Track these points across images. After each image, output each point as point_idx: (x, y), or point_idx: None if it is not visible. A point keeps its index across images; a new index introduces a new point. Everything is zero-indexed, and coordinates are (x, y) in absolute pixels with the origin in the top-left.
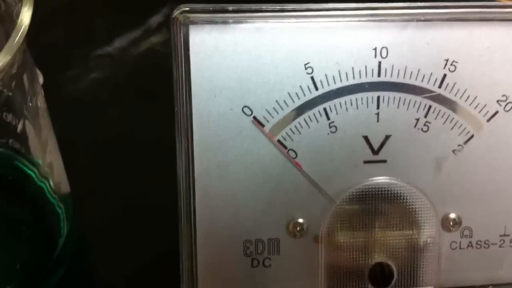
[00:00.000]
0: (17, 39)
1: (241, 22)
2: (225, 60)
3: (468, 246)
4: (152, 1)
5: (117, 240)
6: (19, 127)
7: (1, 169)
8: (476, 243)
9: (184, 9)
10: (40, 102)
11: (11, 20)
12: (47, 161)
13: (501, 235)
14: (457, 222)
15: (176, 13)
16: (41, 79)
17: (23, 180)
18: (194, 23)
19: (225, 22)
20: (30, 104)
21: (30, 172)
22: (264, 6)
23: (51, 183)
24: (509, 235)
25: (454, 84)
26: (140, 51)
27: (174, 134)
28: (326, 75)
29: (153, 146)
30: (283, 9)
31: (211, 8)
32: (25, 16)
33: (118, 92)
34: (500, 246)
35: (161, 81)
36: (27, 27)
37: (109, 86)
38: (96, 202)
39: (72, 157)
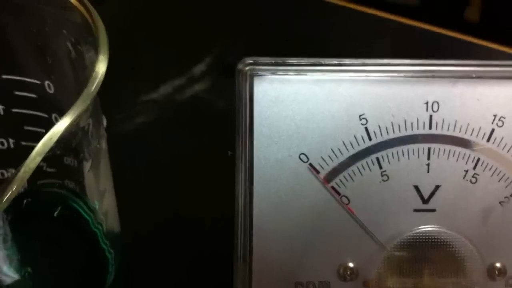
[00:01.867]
0: (93, 88)
1: (301, 74)
2: (285, 109)
3: None
4: (197, 51)
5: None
6: (85, 169)
7: (65, 210)
8: None
9: (248, 61)
10: (104, 144)
11: (83, 66)
12: (104, 206)
13: None
14: (503, 271)
15: (241, 65)
16: (105, 123)
17: (79, 222)
18: (258, 75)
19: (286, 74)
20: (98, 146)
21: (87, 216)
22: (322, 61)
23: (105, 228)
24: None
25: (502, 138)
26: (184, 98)
27: (229, 176)
28: (379, 126)
29: (191, 182)
30: (341, 63)
31: (273, 61)
32: (101, 65)
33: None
34: None
35: (205, 124)
36: (103, 76)
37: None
38: (151, 250)
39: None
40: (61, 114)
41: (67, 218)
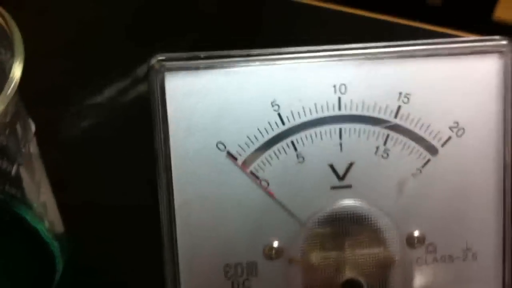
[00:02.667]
0: (9, 91)
1: (212, 68)
2: (199, 101)
3: (433, 261)
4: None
5: (106, 268)
6: (13, 171)
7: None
8: (441, 258)
9: (160, 58)
10: (33, 148)
11: (4, 74)
12: (41, 202)
13: (463, 250)
14: (421, 239)
15: (153, 61)
16: (33, 128)
17: (18, 222)
18: (169, 70)
19: (197, 68)
20: (24, 151)
21: (24, 214)
22: (232, 52)
23: (46, 223)
24: (471, 249)
25: (409, 114)
26: (128, 99)
27: None
28: (291, 111)
29: (139, 183)
30: (249, 54)
31: (184, 56)
32: (17, 69)
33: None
34: (463, 260)
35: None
36: (18, 80)
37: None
38: (87, 236)
39: (65, 198)
40: None
41: (4, 221)
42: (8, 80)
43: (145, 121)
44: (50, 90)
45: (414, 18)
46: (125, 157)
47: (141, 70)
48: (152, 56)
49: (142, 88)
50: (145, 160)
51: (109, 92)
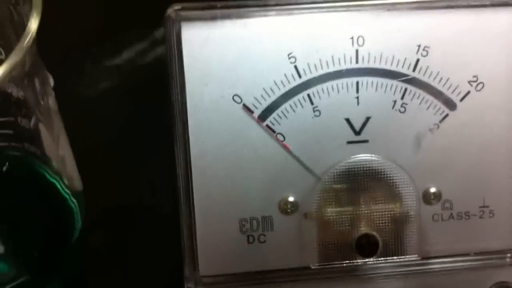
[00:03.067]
0: (26, 42)
1: (228, 18)
2: (215, 52)
3: (449, 217)
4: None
5: (121, 223)
6: (32, 125)
7: (16, 171)
8: (457, 215)
9: (176, 7)
10: (51, 102)
11: (24, 28)
12: (59, 157)
13: (480, 207)
14: (437, 195)
15: (169, 11)
16: (51, 82)
17: (37, 178)
18: (186, 19)
19: (214, 18)
20: (42, 104)
21: (42, 170)
22: (249, 2)
23: (64, 179)
24: (488, 206)
25: (427, 67)
26: (147, 62)
27: None
28: (308, 63)
29: (154, 148)
30: (266, 3)
31: (201, 6)
32: (33, 21)
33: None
34: (480, 217)
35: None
36: (35, 31)
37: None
38: (103, 192)
39: (82, 157)
40: None
41: (22, 176)
42: (25, 31)
43: (163, 85)
44: (68, 50)
45: None
46: (140, 121)
47: (159, 33)
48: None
49: (160, 50)
50: (162, 124)
51: (127, 54)
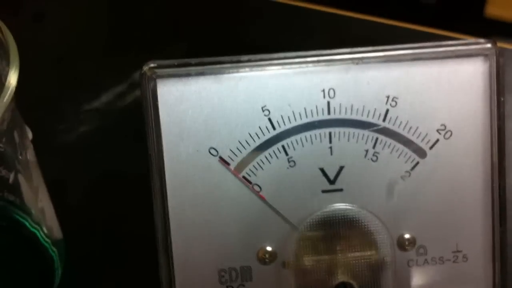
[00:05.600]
0: (5, 99)
1: (202, 74)
2: (190, 107)
3: (424, 262)
4: (135, 59)
5: (102, 271)
6: (11, 178)
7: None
8: (431, 260)
9: (151, 65)
10: (30, 155)
11: (0, 82)
12: (39, 208)
13: (453, 251)
14: (412, 241)
15: (145, 69)
16: (30, 135)
17: (17, 227)
18: (161, 77)
19: (188, 75)
20: (21, 158)
21: (22, 220)
22: (222, 58)
23: (44, 228)
24: (461, 250)
25: (397, 117)
26: (126, 104)
27: None
28: (281, 115)
29: (136, 186)
30: (239, 60)
31: (176, 63)
32: (12, 78)
33: (107, 140)
34: (454, 262)
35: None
36: (14, 88)
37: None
38: (83, 240)
39: (62, 202)
40: None
41: (2, 227)
42: (4, 87)
43: (142, 125)
44: (46, 97)
45: (407, 17)
46: (122, 162)
47: (137, 75)
48: (144, 63)
49: (138, 93)
50: (141, 164)
51: (106, 97)
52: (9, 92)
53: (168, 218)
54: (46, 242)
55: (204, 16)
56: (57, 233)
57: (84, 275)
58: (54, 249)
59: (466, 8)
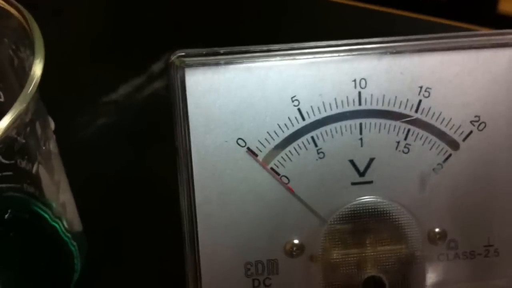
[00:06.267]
0: (30, 89)
1: (232, 63)
2: (219, 97)
3: (455, 257)
4: (154, 49)
5: (126, 270)
6: (34, 170)
7: (17, 212)
8: (463, 254)
9: (179, 54)
10: (52, 146)
11: (24, 72)
12: (60, 201)
13: (485, 246)
14: (442, 235)
15: (173, 58)
16: (52, 125)
17: (37, 221)
18: (189, 66)
19: (217, 64)
20: (44, 149)
21: (43, 213)
22: (252, 48)
23: (64, 222)
24: (493, 245)
25: (430, 108)
26: (144, 96)
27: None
28: (311, 106)
29: (159, 181)
30: (270, 49)
31: (204, 52)
32: (37, 68)
33: (125, 135)
34: (485, 256)
35: (165, 122)
36: (39, 78)
37: (116, 130)
38: (106, 236)
39: (84, 197)
40: None
41: (23, 219)
42: (29, 78)
43: (161, 118)
44: (67, 88)
45: (420, 13)
46: (141, 155)
47: (156, 67)
48: (171, 52)
49: (157, 85)
50: (162, 157)
51: (124, 89)
52: (34, 82)
53: (195, 211)
54: (67, 236)
55: (232, 5)
56: (78, 226)
57: (105, 271)
58: (74, 243)
59: (479, 4)
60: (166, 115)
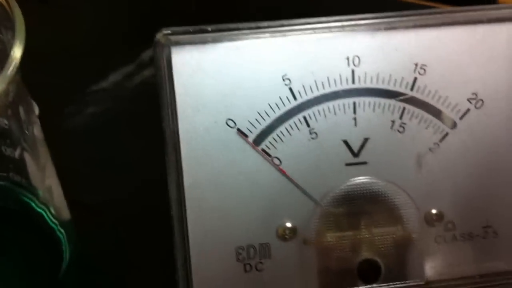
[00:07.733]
0: (9, 70)
1: (220, 41)
2: (207, 77)
3: (452, 239)
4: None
5: (117, 253)
6: (17, 155)
7: (2, 201)
8: (460, 236)
9: (165, 32)
10: (37, 131)
11: (6, 56)
12: (46, 186)
13: (483, 227)
14: (440, 217)
15: (158, 36)
16: (36, 110)
17: (23, 208)
18: (176, 44)
19: (205, 42)
20: (27, 133)
21: (28, 200)
22: (241, 25)
23: (51, 209)
24: (491, 226)
25: (425, 86)
26: (134, 84)
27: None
28: (303, 85)
29: (148, 168)
30: (259, 26)
31: (191, 29)
32: (17, 50)
33: (115, 121)
34: (483, 238)
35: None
36: (18, 60)
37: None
38: (94, 223)
39: (72, 186)
40: None
41: (10, 209)
42: (8, 59)
43: (150, 106)
44: (56, 76)
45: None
46: (130, 143)
47: (146, 55)
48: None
49: (147, 73)
50: (151, 145)
51: (114, 77)
52: (13, 64)
53: (184, 195)
54: (54, 223)
55: None
56: (65, 213)
57: (92, 259)
58: (62, 230)
59: None
60: (156, 104)
